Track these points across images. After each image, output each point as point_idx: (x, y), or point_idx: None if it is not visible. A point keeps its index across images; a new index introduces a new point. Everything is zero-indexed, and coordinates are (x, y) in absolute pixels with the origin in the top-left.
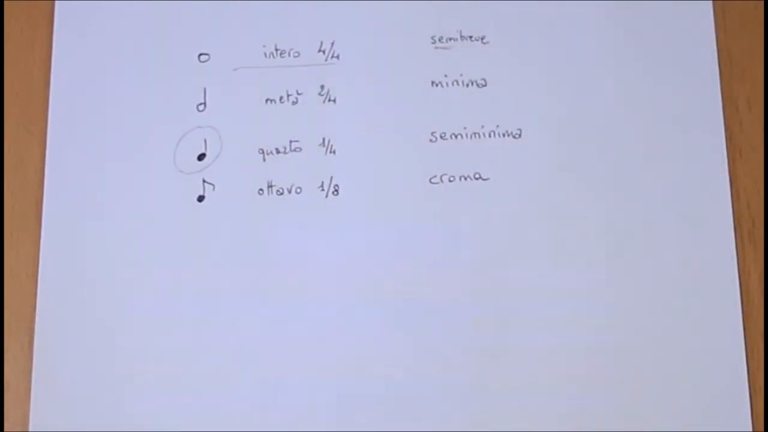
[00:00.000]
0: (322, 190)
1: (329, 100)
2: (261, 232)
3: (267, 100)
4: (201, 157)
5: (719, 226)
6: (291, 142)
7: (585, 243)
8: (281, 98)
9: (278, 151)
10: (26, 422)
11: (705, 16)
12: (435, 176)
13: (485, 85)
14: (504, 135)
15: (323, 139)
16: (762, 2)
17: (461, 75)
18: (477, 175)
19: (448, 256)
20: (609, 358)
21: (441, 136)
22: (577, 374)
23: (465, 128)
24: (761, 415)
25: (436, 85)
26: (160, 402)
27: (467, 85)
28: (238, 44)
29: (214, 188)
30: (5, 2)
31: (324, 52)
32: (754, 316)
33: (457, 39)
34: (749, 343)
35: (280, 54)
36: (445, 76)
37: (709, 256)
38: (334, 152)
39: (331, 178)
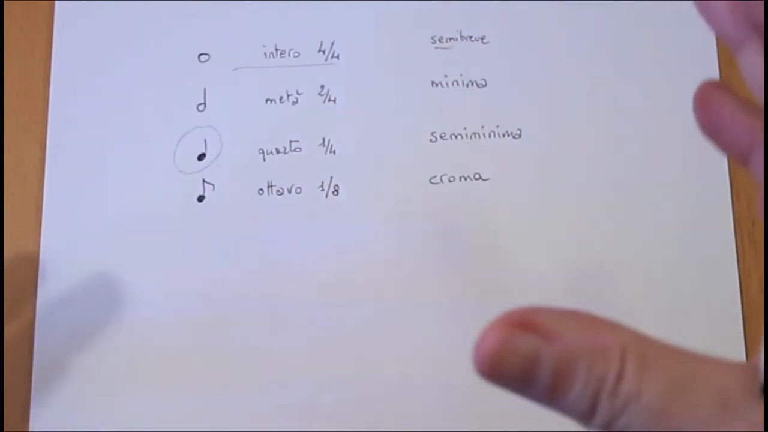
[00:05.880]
0: (322, 190)
1: (329, 100)
2: (261, 232)
3: (267, 100)
4: (201, 157)
5: (719, 226)
6: (291, 142)
7: (585, 243)
8: (281, 98)
9: (278, 151)
10: (26, 422)
11: None
12: (435, 176)
13: (485, 85)
14: (504, 135)
15: (323, 139)
16: (762, 2)
17: (461, 75)
18: (477, 175)
19: (448, 256)
20: None
21: (441, 136)
22: None
23: (465, 128)
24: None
25: (436, 85)
26: (160, 402)
27: (467, 85)
28: (238, 44)
29: (214, 188)
30: (5, 2)
31: (324, 52)
32: (754, 316)
33: (457, 39)
34: (749, 343)
35: (280, 54)
36: (445, 76)
37: (709, 256)
38: (334, 152)
39: (331, 178)
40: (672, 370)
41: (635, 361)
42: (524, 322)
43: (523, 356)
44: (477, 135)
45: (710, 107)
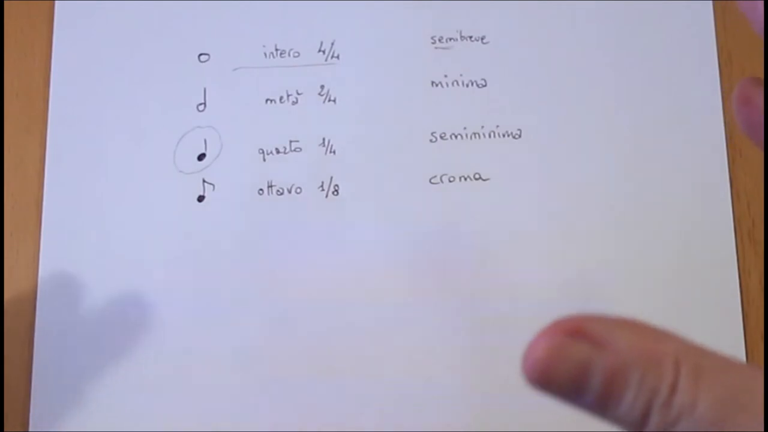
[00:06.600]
0: (322, 190)
1: (329, 100)
2: (261, 232)
3: (267, 100)
4: (201, 157)
5: (719, 226)
6: (291, 142)
7: (585, 243)
8: (281, 98)
9: (278, 151)
10: (26, 422)
11: (705, 16)
12: (435, 176)
13: (485, 85)
14: (504, 135)
15: (323, 139)
16: (762, 2)
17: (461, 75)
18: (477, 175)
19: (448, 256)
20: None
21: (441, 136)
22: None
23: (465, 128)
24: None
25: (436, 85)
26: (160, 402)
27: (467, 85)
28: (238, 44)
29: (214, 188)
30: (5, 2)
31: (324, 52)
32: (754, 316)
33: (457, 39)
34: (749, 343)
35: (280, 54)
36: (445, 76)
37: (709, 256)
38: (334, 152)
39: (331, 178)
40: (726, 381)
41: (689, 372)
42: (576, 329)
43: (574, 364)
44: (477, 135)
45: (750, 104)
